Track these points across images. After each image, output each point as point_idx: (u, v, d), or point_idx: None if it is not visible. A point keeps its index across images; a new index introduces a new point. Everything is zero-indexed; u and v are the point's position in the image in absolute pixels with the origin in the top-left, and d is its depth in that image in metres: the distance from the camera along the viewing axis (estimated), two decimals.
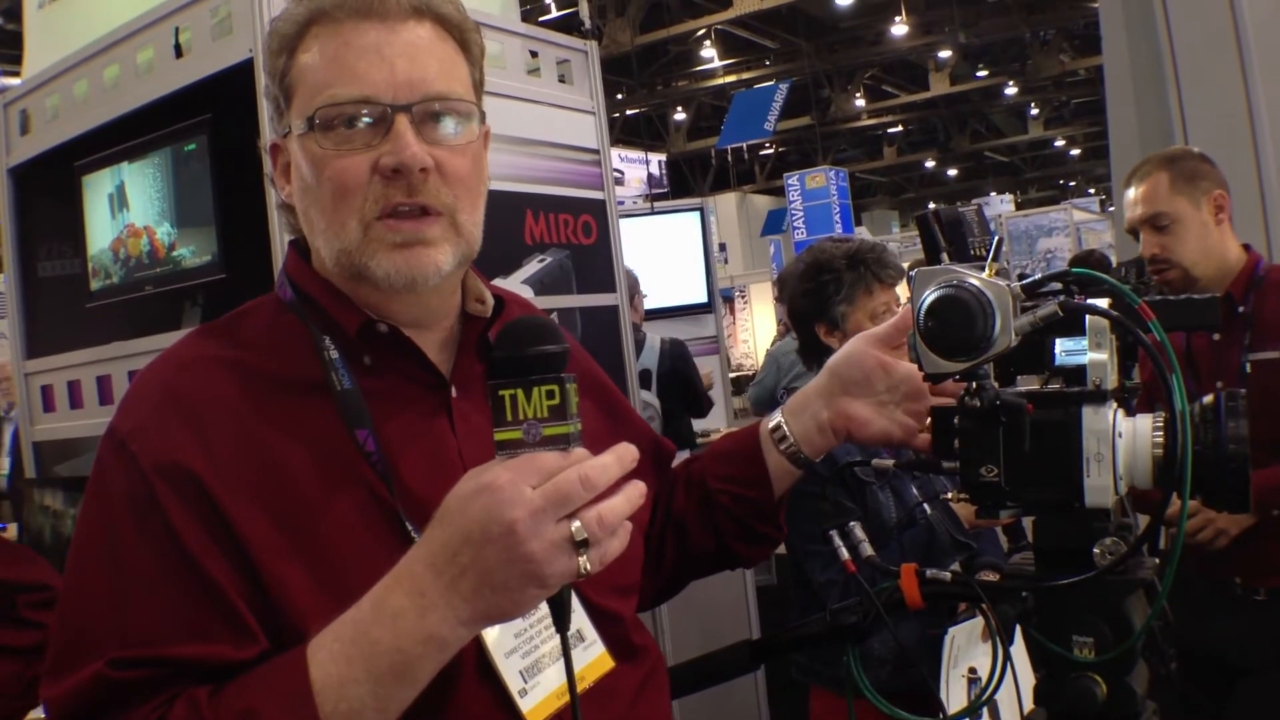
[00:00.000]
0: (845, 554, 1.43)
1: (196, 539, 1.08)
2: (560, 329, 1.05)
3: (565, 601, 1.04)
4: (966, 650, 2.24)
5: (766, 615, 4.50)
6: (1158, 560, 1.27)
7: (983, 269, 1.26)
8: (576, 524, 0.96)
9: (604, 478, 0.97)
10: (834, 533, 1.46)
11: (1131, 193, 2.86)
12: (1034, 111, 29.27)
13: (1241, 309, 2.75)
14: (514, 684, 1.19)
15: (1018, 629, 1.34)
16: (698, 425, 6.60)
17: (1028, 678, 1.94)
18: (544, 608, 1.04)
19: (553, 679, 1.22)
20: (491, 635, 1.18)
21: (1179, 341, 2.85)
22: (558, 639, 1.21)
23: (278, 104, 1.26)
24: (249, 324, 1.27)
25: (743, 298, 18.14)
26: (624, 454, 1.00)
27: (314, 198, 1.21)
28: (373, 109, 1.17)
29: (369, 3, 1.19)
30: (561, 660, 1.20)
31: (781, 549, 2.24)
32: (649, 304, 6.68)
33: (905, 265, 3.08)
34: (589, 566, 0.97)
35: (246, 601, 1.08)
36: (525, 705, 1.19)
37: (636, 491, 1.00)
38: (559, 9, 17.82)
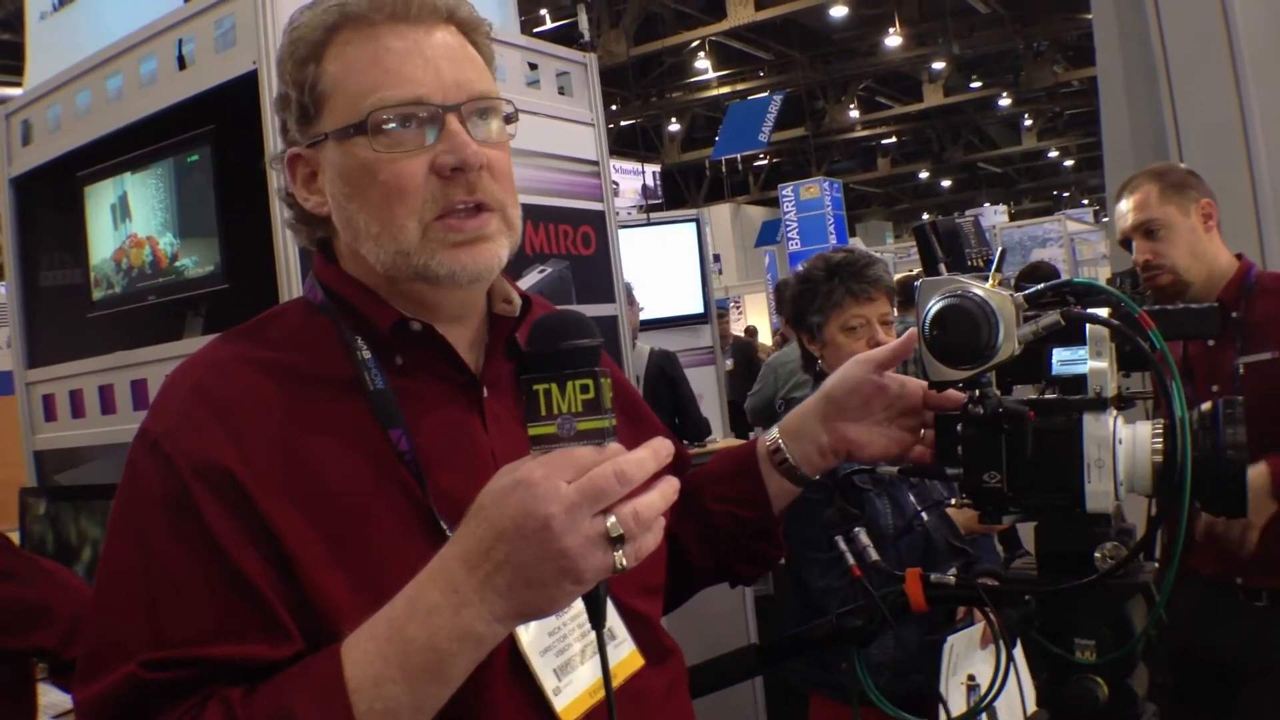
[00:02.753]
0: (851, 559, 1.45)
1: (233, 538, 1.08)
2: (593, 323, 1.05)
3: (601, 597, 1.03)
4: (965, 657, 2.26)
5: (764, 625, 4.51)
6: (1157, 564, 1.29)
7: (984, 279, 1.28)
8: (612, 519, 0.95)
9: (639, 472, 0.97)
10: (840, 538, 1.47)
11: (1122, 205, 2.94)
12: (1028, 122, 29.37)
13: (1234, 315, 2.79)
14: (549, 683, 1.18)
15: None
16: None
17: (1026, 683, 1.96)
18: (576, 606, 1.03)
19: (584, 678, 1.21)
20: (527, 634, 1.18)
21: (1176, 349, 2.89)
22: (588, 638, 1.22)
23: (305, 113, 1.24)
24: (279, 325, 1.27)
25: (737, 308, 18.18)
26: (659, 448, 1.00)
27: (362, 202, 1.20)
28: (424, 110, 1.18)
29: (395, 7, 1.20)
30: (592, 659, 1.22)
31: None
32: (645, 315, 6.68)
33: (897, 278, 3.12)
34: (625, 562, 0.96)
35: (283, 600, 1.08)
36: (559, 704, 1.18)
37: (671, 487, 1.00)
38: (554, 20, 17.88)
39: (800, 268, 2.89)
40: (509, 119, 1.26)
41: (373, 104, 1.18)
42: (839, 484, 1.59)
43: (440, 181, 1.18)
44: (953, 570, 2.46)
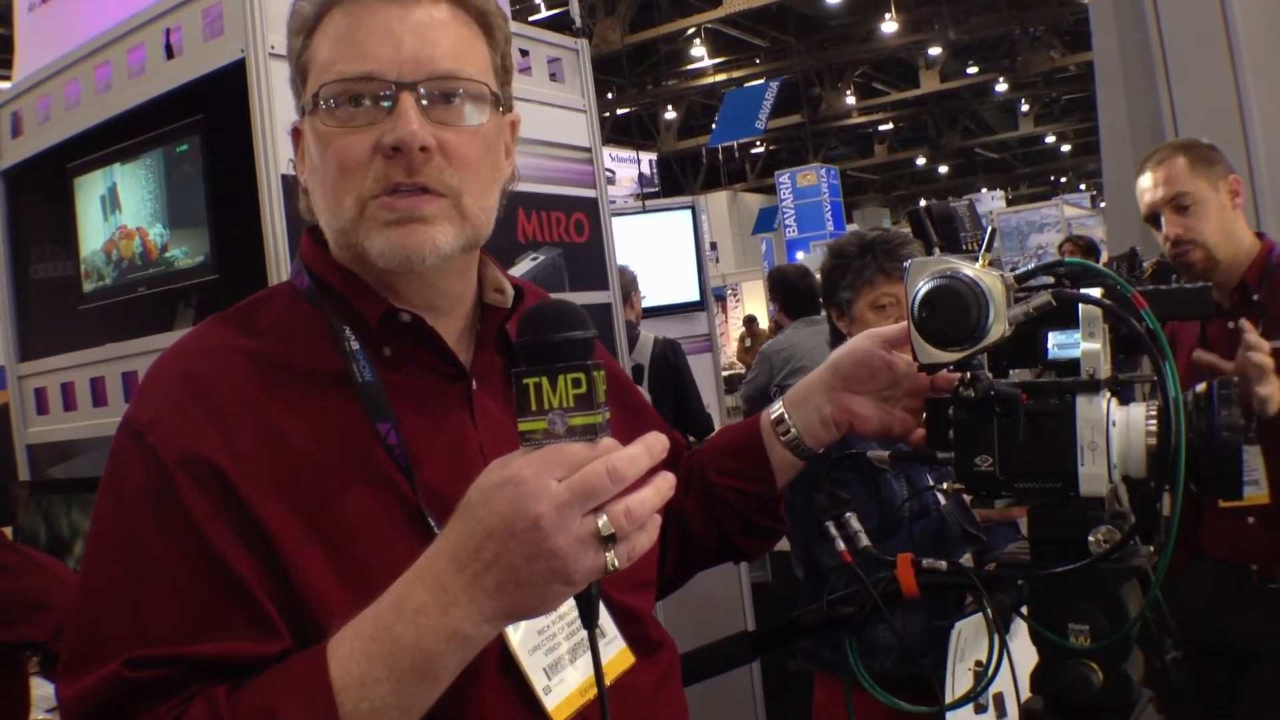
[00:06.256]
0: (841, 545, 1.43)
1: (219, 532, 1.05)
2: (586, 314, 1.00)
3: (594, 598, 0.99)
4: (974, 643, 2.25)
5: (761, 612, 4.50)
6: (1152, 549, 1.28)
7: (976, 261, 1.26)
8: (604, 519, 0.92)
9: (633, 469, 0.93)
10: (830, 524, 1.46)
11: (1148, 178, 2.84)
12: (1024, 108, 29.31)
13: (1256, 296, 2.74)
14: (539, 682, 1.16)
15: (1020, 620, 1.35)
16: None
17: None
18: (567, 604, 1.00)
19: (574, 677, 1.19)
20: (516, 634, 1.15)
21: (1194, 330, 2.83)
22: (577, 637, 1.19)
23: (296, 86, 1.23)
24: (266, 312, 1.23)
25: (734, 296, 18.16)
26: (653, 444, 0.96)
27: (319, 177, 1.19)
28: (377, 86, 1.14)
29: None
30: (582, 658, 1.19)
31: (782, 545, 2.25)
32: (643, 303, 6.66)
33: None
34: (617, 563, 0.93)
35: (270, 596, 1.06)
36: (550, 703, 1.16)
37: (667, 484, 0.97)
38: (549, 8, 17.82)
39: (833, 243, 2.87)
40: (483, 100, 1.21)
41: (329, 77, 1.16)
42: (848, 461, 1.58)
43: (384, 160, 1.14)
44: (965, 557, 2.46)
